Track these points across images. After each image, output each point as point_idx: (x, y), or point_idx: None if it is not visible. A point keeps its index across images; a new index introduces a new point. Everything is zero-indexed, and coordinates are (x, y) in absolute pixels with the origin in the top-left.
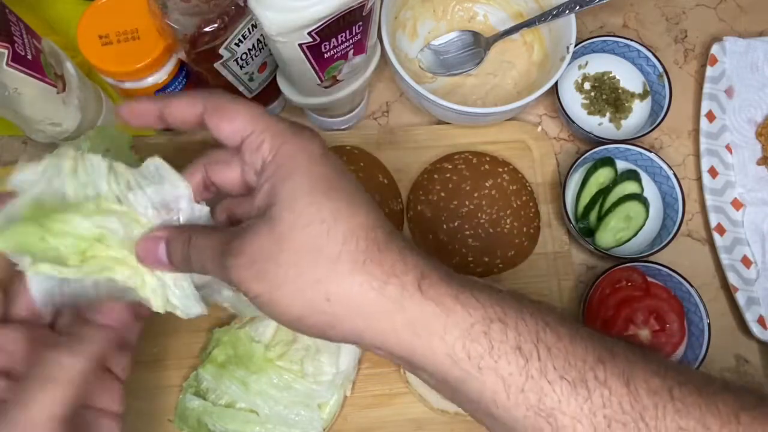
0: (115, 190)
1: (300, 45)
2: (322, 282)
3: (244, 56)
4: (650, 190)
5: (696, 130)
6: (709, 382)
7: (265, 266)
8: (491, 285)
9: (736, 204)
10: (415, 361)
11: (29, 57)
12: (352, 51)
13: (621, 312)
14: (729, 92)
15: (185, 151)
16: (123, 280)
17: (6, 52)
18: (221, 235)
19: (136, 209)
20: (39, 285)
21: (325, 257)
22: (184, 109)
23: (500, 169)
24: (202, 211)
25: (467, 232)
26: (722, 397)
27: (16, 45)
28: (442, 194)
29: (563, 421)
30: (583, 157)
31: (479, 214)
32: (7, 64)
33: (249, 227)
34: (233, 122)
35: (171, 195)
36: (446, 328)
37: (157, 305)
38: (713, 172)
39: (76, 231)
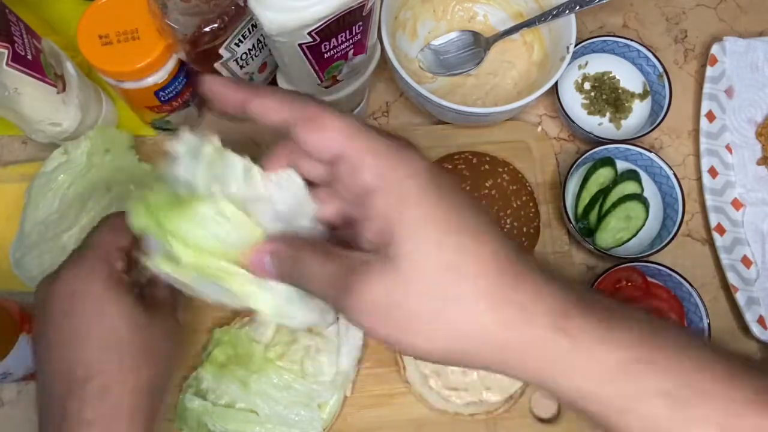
0: (244, 193)
1: (300, 45)
2: (454, 323)
3: (244, 56)
4: (650, 190)
5: (696, 130)
6: None
7: (393, 312)
8: (635, 311)
9: (736, 204)
10: (553, 392)
11: (29, 57)
12: (352, 51)
13: None
14: (729, 92)
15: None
16: (235, 288)
17: (6, 52)
18: (337, 267)
19: (258, 218)
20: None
21: (456, 298)
22: (271, 108)
23: (500, 169)
24: (322, 233)
25: None
26: None
27: (16, 45)
28: None
29: None
30: (583, 157)
31: None
32: (7, 64)
33: (369, 267)
34: (325, 136)
35: (296, 212)
36: (588, 366)
37: (271, 314)
38: (713, 172)
39: (195, 239)
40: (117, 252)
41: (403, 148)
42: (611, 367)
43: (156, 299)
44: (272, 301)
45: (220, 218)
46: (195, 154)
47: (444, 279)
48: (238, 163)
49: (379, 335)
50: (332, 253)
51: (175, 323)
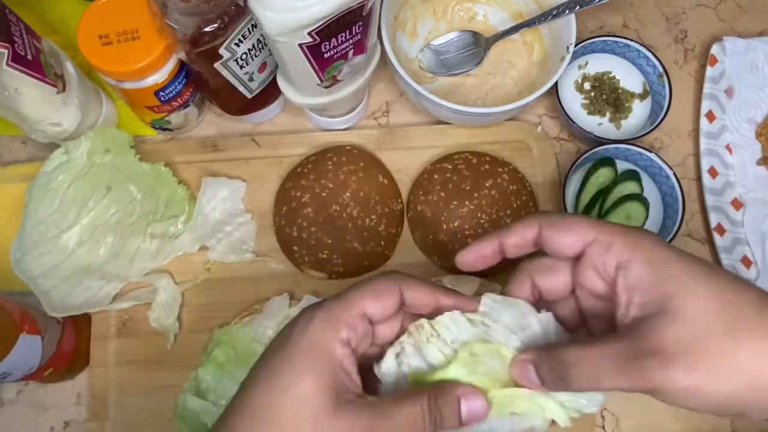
0: (479, 332)
1: (300, 45)
2: (751, 357)
3: (244, 56)
4: (650, 190)
5: (696, 130)
6: None
7: (689, 359)
8: None
9: (736, 204)
10: None
11: (29, 57)
12: (352, 51)
13: None
14: (729, 92)
15: (186, 149)
16: (523, 411)
17: (6, 52)
18: (608, 344)
19: (499, 342)
20: None
21: (747, 333)
22: (522, 233)
23: (500, 169)
24: (548, 317)
25: (467, 232)
26: None
27: (16, 45)
28: (442, 194)
29: None
30: (583, 157)
31: (479, 214)
32: (7, 64)
33: (652, 325)
34: (572, 232)
35: (519, 316)
36: None
37: (563, 420)
38: (713, 172)
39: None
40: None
41: (637, 229)
42: None
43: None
44: (557, 406)
45: (474, 363)
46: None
47: (728, 315)
48: (458, 318)
49: (679, 388)
50: (590, 339)
51: None
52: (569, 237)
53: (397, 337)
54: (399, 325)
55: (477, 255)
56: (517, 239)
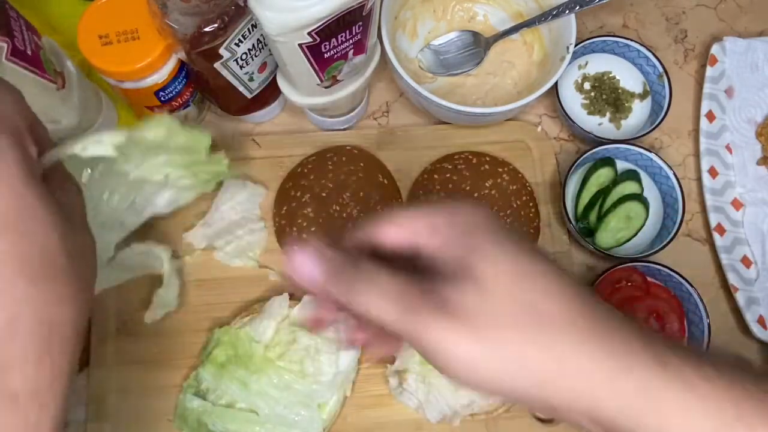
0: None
1: (300, 45)
2: (551, 348)
3: (244, 56)
4: (650, 190)
5: (696, 130)
6: None
7: (475, 319)
8: (729, 360)
9: (736, 204)
10: None
11: (29, 52)
12: (352, 51)
13: (621, 312)
14: (729, 92)
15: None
16: None
17: (5, 45)
18: (408, 280)
19: None
20: None
21: (549, 319)
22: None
23: (500, 169)
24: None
25: None
26: None
27: (15, 39)
28: (442, 194)
29: None
30: (583, 157)
31: None
32: (6, 58)
33: (447, 283)
34: (402, 227)
35: None
36: (694, 416)
37: None
38: (713, 172)
39: None
40: (27, 131)
41: (463, 202)
42: (722, 422)
43: (64, 204)
44: None
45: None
46: None
47: (533, 300)
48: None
49: (455, 351)
50: (396, 270)
51: (89, 236)
52: (390, 230)
53: None
54: None
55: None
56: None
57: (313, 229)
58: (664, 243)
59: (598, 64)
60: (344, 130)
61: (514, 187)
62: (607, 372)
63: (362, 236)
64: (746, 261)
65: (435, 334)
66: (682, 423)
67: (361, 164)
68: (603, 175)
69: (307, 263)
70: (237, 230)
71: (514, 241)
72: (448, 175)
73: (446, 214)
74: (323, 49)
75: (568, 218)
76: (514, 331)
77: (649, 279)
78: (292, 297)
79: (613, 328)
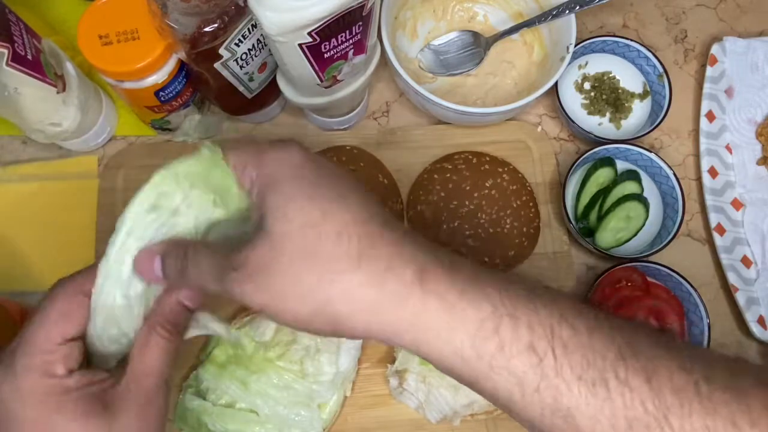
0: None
1: (300, 45)
2: (320, 285)
3: (244, 56)
4: (650, 190)
5: (696, 130)
6: (741, 373)
7: (265, 277)
8: (500, 273)
9: (736, 204)
10: (423, 356)
11: (29, 57)
12: (352, 51)
13: (621, 312)
14: (729, 92)
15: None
16: None
17: (6, 51)
18: (222, 251)
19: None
20: None
21: (320, 259)
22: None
23: (500, 169)
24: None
25: (467, 232)
26: (754, 393)
27: (16, 45)
28: (442, 194)
29: (581, 422)
30: (583, 157)
31: (479, 214)
32: (7, 64)
33: (246, 241)
34: (238, 154)
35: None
36: (452, 326)
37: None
38: (713, 172)
39: None
40: (59, 349)
41: (281, 142)
42: (480, 326)
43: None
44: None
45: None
46: None
47: (308, 242)
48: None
49: (257, 303)
50: (217, 248)
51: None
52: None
53: None
54: None
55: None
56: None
57: None
58: (664, 243)
59: (598, 64)
60: (344, 130)
61: (514, 187)
62: (375, 297)
63: None
64: (746, 261)
65: (238, 289)
66: (440, 336)
67: (361, 164)
68: (603, 175)
69: (146, 265)
70: None
71: (306, 192)
72: (448, 175)
73: (254, 157)
74: (323, 49)
75: (568, 218)
76: (292, 276)
77: (649, 279)
78: None
79: (381, 256)
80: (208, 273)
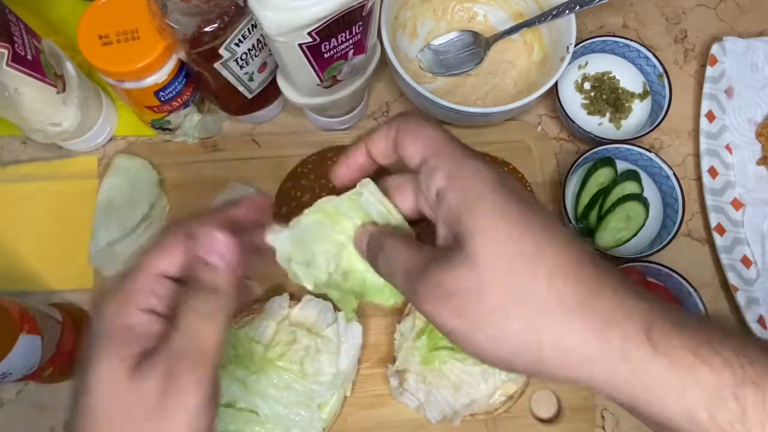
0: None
1: (300, 45)
2: (530, 326)
3: (244, 56)
4: (650, 190)
5: (696, 130)
6: None
7: (464, 303)
8: (728, 330)
9: (736, 204)
10: (640, 412)
11: (29, 57)
12: (352, 51)
13: None
14: (729, 92)
15: (186, 149)
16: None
17: (6, 52)
18: (416, 255)
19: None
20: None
21: (533, 299)
22: (386, 136)
23: (500, 169)
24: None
25: None
26: None
27: (16, 45)
28: None
29: None
30: (583, 157)
31: None
32: (7, 64)
33: (443, 258)
34: (416, 142)
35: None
36: (685, 387)
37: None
38: (713, 172)
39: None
40: (148, 281)
41: (476, 155)
42: (718, 390)
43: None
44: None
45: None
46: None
47: (521, 279)
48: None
49: (449, 326)
50: (414, 244)
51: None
52: (412, 146)
53: None
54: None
55: (349, 165)
56: (382, 143)
57: None
58: (664, 243)
59: (598, 64)
60: (344, 130)
61: None
62: (595, 350)
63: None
64: (746, 261)
65: (428, 306)
66: (668, 396)
67: None
68: (603, 175)
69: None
70: None
71: (513, 219)
72: None
73: (451, 164)
74: (323, 49)
75: (568, 218)
76: (498, 311)
77: (649, 279)
78: (292, 297)
79: (601, 306)
80: (400, 272)
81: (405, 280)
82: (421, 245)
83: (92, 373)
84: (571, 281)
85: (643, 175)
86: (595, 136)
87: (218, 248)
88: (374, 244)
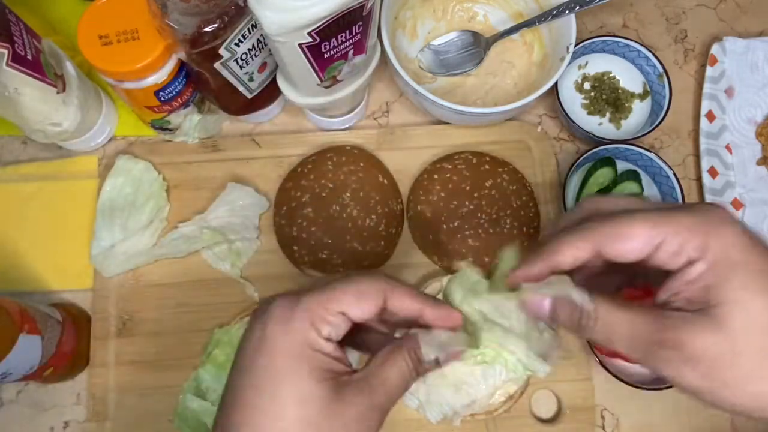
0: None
1: (300, 45)
2: None
3: (244, 56)
4: (650, 190)
5: (696, 130)
6: None
7: (714, 367)
8: None
9: (736, 204)
10: None
11: (29, 57)
12: (352, 51)
13: None
14: (729, 92)
15: (186, 149)
16: (491, 359)
17: (6, 52)
18: (648, 319)
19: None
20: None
21: None
22: (575, 255)
23: (500, 169)
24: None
25: (467, 232)
26: None
27: (16, 45)
28: (442, 194)
29: None
30: (583, 157)
31: (479, 214)
32: (7, 64)
33: (692, 324)
34: (634, 240)
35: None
36: None
37: (519, 372)
38: (713, 172)
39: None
40: (336, 316)
41: (712, 213)
42: None
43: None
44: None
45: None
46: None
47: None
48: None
49: (692, 387)
50: (637, 310)
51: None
52: (631, 245)
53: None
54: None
55: (525, 277)
56: (570, 260)
57: (313, 229)
58: None
59: (598, 64)
60: (344, 130)
61: (514, 187)
62: None
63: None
64: None
65: (672, 371)
66: None
67: (361, 164)
68: (603, 175)
69: (545, 307)
70: (230, 235)
71: (765, 287)
72: (448, 175)
73: (696, 232)
74: (323, 49)
75: None
76: (749, 376)
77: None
78: None
79: None
80: (626, 339)
81: (634, 346)
82: (650, 310)
83: (279, 397)
84: None
85: (643, 175)
86: (595, 136)
87: (441, 340)
88: (573, 312)
